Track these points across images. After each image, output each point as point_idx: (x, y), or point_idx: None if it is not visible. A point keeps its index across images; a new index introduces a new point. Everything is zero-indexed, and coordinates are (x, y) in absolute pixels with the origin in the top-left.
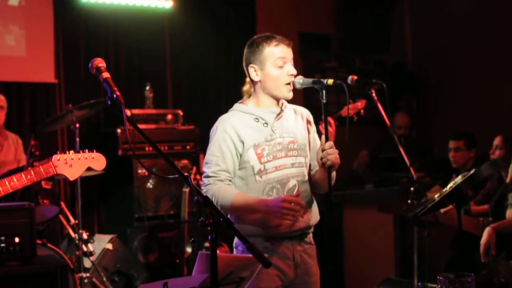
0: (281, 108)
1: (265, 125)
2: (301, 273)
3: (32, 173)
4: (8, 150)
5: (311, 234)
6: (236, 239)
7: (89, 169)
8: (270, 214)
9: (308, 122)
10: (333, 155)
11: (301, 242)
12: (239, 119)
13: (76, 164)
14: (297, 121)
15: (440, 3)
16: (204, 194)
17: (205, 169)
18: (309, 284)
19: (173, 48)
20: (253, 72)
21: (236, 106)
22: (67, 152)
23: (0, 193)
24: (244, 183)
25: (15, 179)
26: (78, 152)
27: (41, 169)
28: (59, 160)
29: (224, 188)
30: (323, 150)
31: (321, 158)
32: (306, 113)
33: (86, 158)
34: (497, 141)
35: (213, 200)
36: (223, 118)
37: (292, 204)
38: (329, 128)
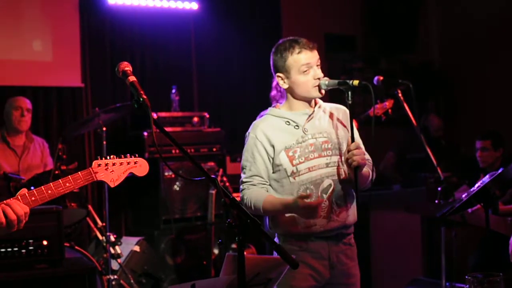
0: (314, 108)
1: (296, 127)
2: (338, 273)
3: (71, 179)
4: (35, 153)
5: (351, 235)
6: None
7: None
8: (300, 215)
9: (342, 120)
10: (359, 156)
11: (339, 243)
12: (270, 123)
13: (118, 169)
14: (332, 120)
15: (467, 3)
16: (241, 199)
17: (241, 175)
18: (348, 285)
19: (198, 51)
20: (281, 81)
21: (270, 110)
22: (108, 157)
23: (37, 201)
24: (279, 185)
25: (52, 187)
26: (120, 156)
27: (80, 176)
28: (99, 166)
29: (256, 191)
30: (349, 151)
31: (347, 159)
32: (342, 111)
33: (128, 163)
34: None
35: (248, 204)
36: (255, 124)
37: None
38: None
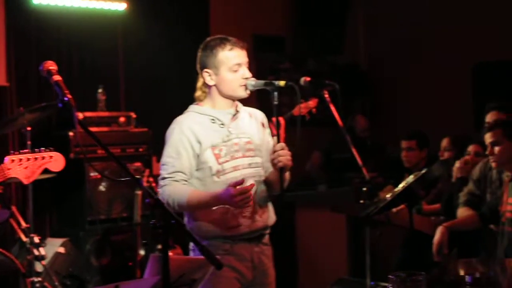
0: (236, 109)
1: (222, 125)
2: (259, 274)
3: None
4: None
5: (268, 236)
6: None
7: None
8: (227, 205)
9: (262, 124)
10: (285, 156)
11: (259, 243)
12: (195, 120)
13: (32, 165)
14: (252, 122)
15: (393, 6)
16: (160, 196)
17: (161, 171)
18: (266, 285)
19: (126, 51)
20: (208, 77)
21: (192, 107)
22: (21, 152)
23: None
24: (202, 183)
25: None
26: (34, 151)
27: None
28: (12, 161)
29: (179, 187)
30: (274, 152)
31: (273, 159)
32: (260, 115)
33: (43, 158)
34: (444, 142)
35: (169, 200)
36: (179, 119)
37: (242, 194)
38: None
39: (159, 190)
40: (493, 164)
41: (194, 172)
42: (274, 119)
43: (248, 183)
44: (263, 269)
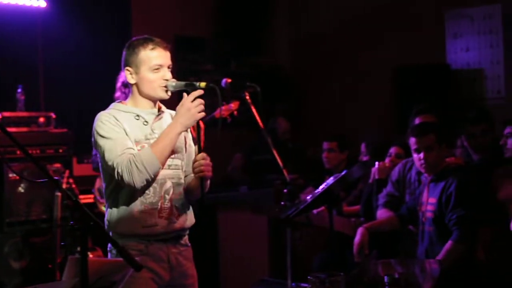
0: (159, 110)
1: (145, 123)
2: (177, 275)
3: None
4: None
5: (186, 236)
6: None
7: None
8: (189, 121)
9: None
10: (206, 167)
11: (176, 244)
12: (120, 115)
13: None
14: None
15: (316, 9)
16: (124, 172)
17: (110, 156)
18: (186, 286)
19: (46, 49)
20: (129, 75)
21: (115, 105)
22: None
23: None
24: None
25: None
26: None
27: None
28: None
29: (136, 152)
30: (195, 161)
31: (194, 168)
32: None
33: None
34: (362, 147)
35: (138, 166)
36: (104, 113)
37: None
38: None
39: (118, 170)
40: (424, 169)
41: None
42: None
43: (167, 184)
44: (181, 270)
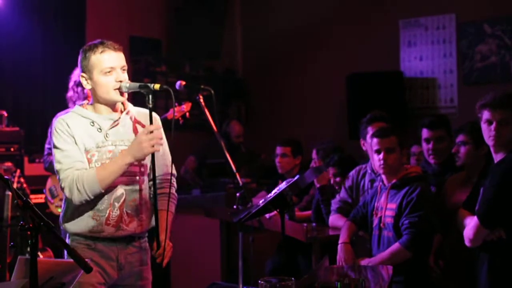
0: (120, 113)
1: (99, 130)
2: (126, 275)
3: None
4: None
5: (145, 239)
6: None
7: None
8: (140, 153)
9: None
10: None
11: (128, 245)
12: (75, 121)
13: None
14: (137, 128)
15: (269, 14)
16: (65, 189)
17: (57, 168)
18: (137, 287)
19: None
20: (85, 81)
21: (76, 108)
22: None
23: None
24: None
25: None
26: None
27: None
28: None
29: (83, 172)
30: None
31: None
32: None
33: None
34: (313, 153)
35: (79, 187)
36: (61, 118)
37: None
38: None
39: (62, 186)
40: (382, 170)
41: None
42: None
43: (117, 192)
44: (132, 270)
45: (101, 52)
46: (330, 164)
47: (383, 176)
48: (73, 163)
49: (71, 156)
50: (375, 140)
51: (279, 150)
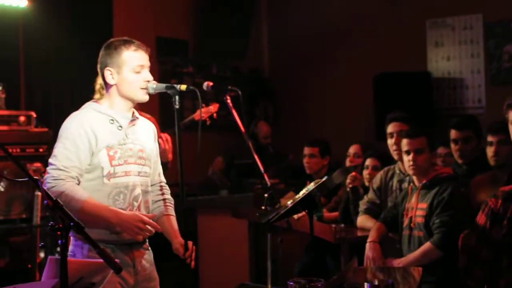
0: (133, 115)
1: (120, 128)
2: (141, 279)
3: None
4: None
5: (147, 240)
6: (71, 247)
7: None
8: (122, 228)
9: (154, 136)
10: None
11: (140, 248)
12: (94, 117)
13: None
14: (145, 132)
15: (297, 14)
16: (52, 187)
17: (53, 161)
18: None
19: (27, 49)
20: (109, 76)
21: (90, 104)
22: None
23: None
24: (90, 184)
25: None
26: None
27: None
28: None
29: (76, 189)
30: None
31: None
32: (152, 126)
33: None
34: (355, 149)
35: (63, 198)
36: (78, 114)
37: (147, 226)
38: (166, 145)
39: (50, 182)
40: (412, 171)
41: (84, 173)
42: (162, 134)
43: (136, 191)
44: (145, 274)
45: (135, 50)
46: (371, 155)
47: (414, 177)
48: (70, 167)
49: (73, 160)
50: (404, 141)
51: (307, 150)
